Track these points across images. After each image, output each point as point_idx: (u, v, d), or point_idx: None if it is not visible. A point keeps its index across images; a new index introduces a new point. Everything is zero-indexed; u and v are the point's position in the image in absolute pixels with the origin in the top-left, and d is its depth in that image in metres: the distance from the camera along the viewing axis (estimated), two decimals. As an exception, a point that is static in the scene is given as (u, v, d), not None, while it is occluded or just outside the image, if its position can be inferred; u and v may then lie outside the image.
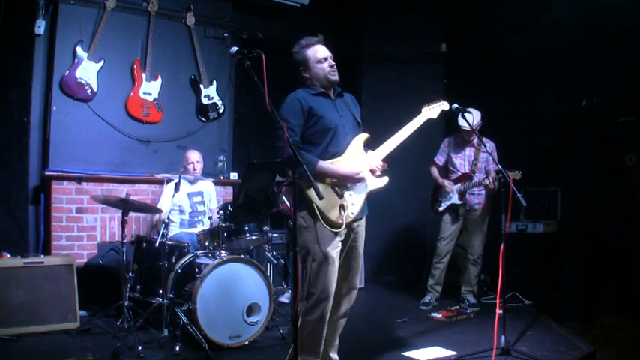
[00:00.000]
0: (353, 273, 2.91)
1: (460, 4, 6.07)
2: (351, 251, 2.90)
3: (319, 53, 2.82)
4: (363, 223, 2.93)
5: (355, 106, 3.01)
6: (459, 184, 4.83)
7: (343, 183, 2.74)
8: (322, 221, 2.66)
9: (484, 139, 4.69)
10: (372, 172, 2.83)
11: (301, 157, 2.40)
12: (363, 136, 2.89)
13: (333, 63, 2.84)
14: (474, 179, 4.77)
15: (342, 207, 2.72)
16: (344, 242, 2.82)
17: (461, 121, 4.53)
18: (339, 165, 2.74)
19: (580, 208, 5.22)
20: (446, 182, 4.89)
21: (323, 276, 2.70)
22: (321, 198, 2.43)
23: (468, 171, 4.84)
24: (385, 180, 2.86)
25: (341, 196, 2.73)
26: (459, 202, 4.83)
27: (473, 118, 4.58)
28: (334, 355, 2.97)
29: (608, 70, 4.98)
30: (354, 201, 2.77)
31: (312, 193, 2.52)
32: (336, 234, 2.72)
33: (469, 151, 4.87)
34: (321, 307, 2.72)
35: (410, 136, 2.92)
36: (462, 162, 4.89)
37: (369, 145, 2.93)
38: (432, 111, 3.08)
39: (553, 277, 5.20)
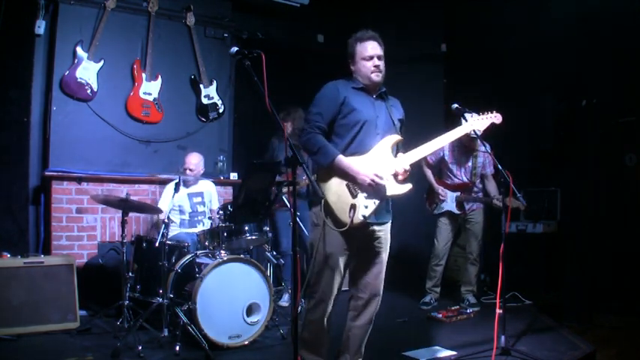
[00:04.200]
0: (374, 278, 2.78)
1: (460, 4, 6.07)
2: (373, 256, 2.78)
3: (367, 50, 2.74)
4: (385, 228, 2.80)
5: (397, 110, 2.87)
6: (458, 193, 4.77)
7: (357, 183, 2.61)
8: (328, 218, 2.58)
9: (479, 142, 4.66)
10: (395, 175, 2.70)
11: (325, 150, 2.46)
12: (394, 138, 2.74)
13: (379, 63, 2.74)
14: (474, 190, 4.73)
15: (352, 207, 2.60)
16: (360, 247, 2.73)
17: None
18: (359, 163, 2.62)
19: (580, 208, 5.23)
20: (440, 190, 4.79)
21: (324, 276, 2.66)
22: (321, 197, 2.40)
23: (466, 180, 4.77)
24: (408, 186, 2.70)
25: (354, 196, 2.61)
26: (457, 212, 4.79)
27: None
28: None
29: (608, 70, 4.98)
30: (368, 203, 2.63)
31: (324, 187, 2.50)
32: (346, 237, 2.63)
33: (466, 157, 4.78)
34: (321, 307, 2.69)
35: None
36: (458, 167, 4.79)
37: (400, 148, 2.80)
38: (480, 123, 2.91)
39: (553, 277, 5.21)
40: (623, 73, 4.86)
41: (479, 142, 4.60)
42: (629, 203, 4.84)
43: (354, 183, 2.62)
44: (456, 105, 3.60)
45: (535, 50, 5.60)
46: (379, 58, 2.76)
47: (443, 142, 2.82)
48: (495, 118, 2.93)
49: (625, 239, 4.78)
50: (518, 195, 3.40)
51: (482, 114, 2.95)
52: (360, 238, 2.71)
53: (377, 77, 2.76)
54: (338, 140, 2.69)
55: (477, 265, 4.89)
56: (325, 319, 2.73)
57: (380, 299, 2.83)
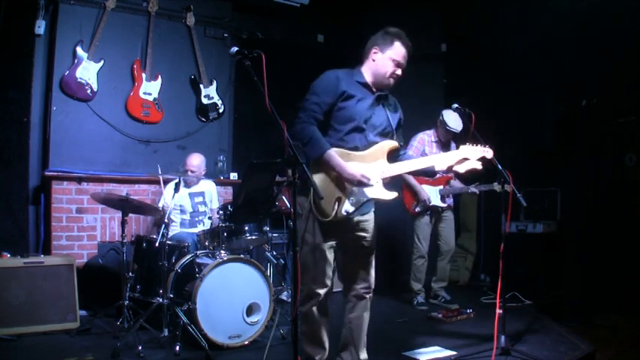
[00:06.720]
0: (364, 269, 2.78)
1: (460, 4, 6.07)
2: (360, 247, 2.77)
3: (399, 55, 2.69)
4: (369, 217, 2.78)
5: (395, 110, 2.85)
6: (440, 187, 4.79)
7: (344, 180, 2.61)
8: (313, 206, 2.57)
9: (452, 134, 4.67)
10: (384, 180, 2.68)
11: (315, 142, 2.42)
12: (390, 143, 2.72)
13: (399, 73, 2.72)
14: (454, 184, 4.75)
15: (338, 199, 2.61)
16: (347, 239, 2.72)
17: (452, 123, 4.52)
18: (349, 163, 2.59)
19: (580, 208, 5.23)
20: (422, 190, 4.72)
21: (312, 265, 2.64)
22: (320, 197, 2.38)
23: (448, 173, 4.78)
24: (394, 194, 2.68)
25: (341, 190, 2.61)
26: (442, 205, 4.79)
27: (458, 120, 4.56)
28: (363, 355, 2.86)
29: (608, 70, 4.98)
30: (353, 200, 2.64)
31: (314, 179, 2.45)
32: (331, 227, 2.63)
33: (445, 149, 4.77)
34: (314, 299, 2.68)
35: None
36: None
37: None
38: (472, 152, 2.75)
39: (553, 277, 5.21)
40: (623, 73, 4.86)
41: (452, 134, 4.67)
42: (629, 203, 4.85)
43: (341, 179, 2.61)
44: (456, 105, 3.61)
45: (535, 50, 5.60)
46: (403, 68, 2.74)
47: (432, 162, 2.75)
48: (486, 152, 2.84)
49: (625, 239, 4.78)
50: (519, 195, 3.40)
51: (474, 144, 2.83)
52: (345, 229, 2.70)
53: (390, 82, 2.73)
54: (332, 133, 2.65)
55: (450, 262, 4.94)
56: (317, 311, 2.71)
57: (372, 290, 2.82)
